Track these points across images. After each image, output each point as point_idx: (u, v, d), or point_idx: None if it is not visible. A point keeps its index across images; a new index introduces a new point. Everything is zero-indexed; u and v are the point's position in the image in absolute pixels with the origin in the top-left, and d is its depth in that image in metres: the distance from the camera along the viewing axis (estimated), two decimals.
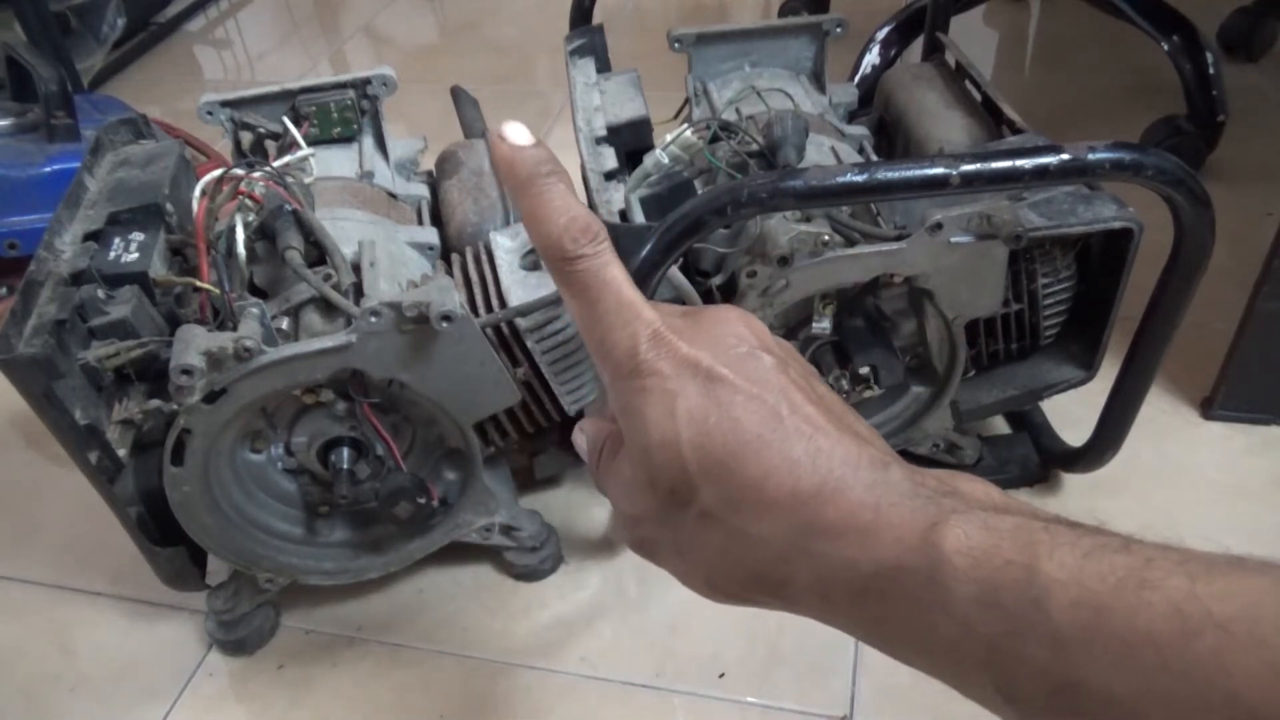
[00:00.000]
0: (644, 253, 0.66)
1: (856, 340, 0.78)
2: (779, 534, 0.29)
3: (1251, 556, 0.24)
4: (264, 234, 0.73)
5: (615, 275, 0.32)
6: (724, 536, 0.30)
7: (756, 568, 0.30)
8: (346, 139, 0.91)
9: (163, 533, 0.73)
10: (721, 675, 0.79)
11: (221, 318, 0.68)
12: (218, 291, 0.68)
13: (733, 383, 0.30)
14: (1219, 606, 0.23)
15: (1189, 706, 0.22)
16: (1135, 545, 0.25)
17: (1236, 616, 0.22)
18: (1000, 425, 0.97)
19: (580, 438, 0.37)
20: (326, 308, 0.71)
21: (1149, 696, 0.23)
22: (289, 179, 0.75)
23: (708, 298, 0.78)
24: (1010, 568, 0.26)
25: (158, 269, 0.69)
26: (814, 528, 0.29)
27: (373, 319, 0.65)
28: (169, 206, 0.74)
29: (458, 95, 1.02)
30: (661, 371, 0.31)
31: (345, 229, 0.77)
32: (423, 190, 0.91)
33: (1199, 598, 0.23)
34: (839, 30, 0.93)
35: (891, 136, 0.98)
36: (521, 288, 0.76)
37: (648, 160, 0.80)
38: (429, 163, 0.97)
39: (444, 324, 0.65)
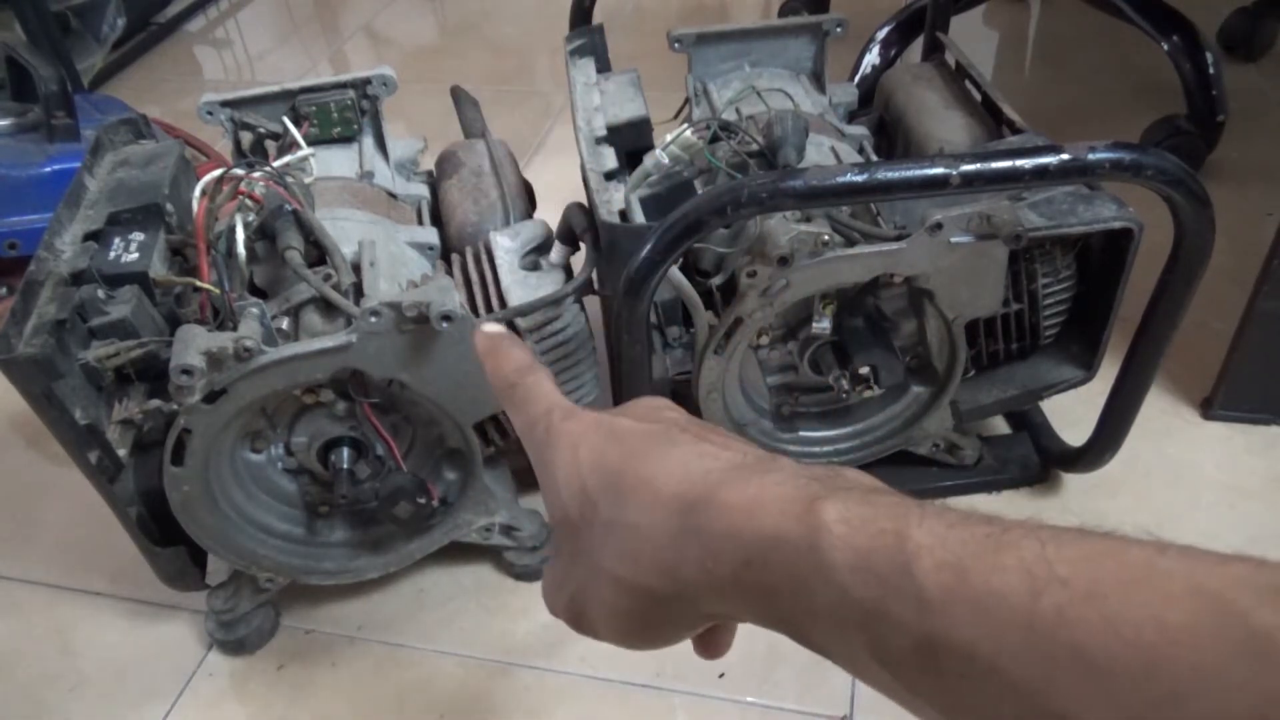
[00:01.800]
0: (644, 253, 0.66)
1: (856, 340, 0.78)
2: (669, 517, 0.32)
3: (1111, 530, 0.26)
4: (264, 234, 0.73)
5: (545, 386, 0.38)
6: (621, 536, 0.33)
7: (652, 560, 0.32)
8: (346, 139, 0.91)
9: (163, 533, 0.73)
10: (721, 675, 0.79)
11: (221, 318, 0.68)
12: (218, 291, 0.68)
13: (628, 423, 0.35)
14: (1063, 566, 0.24)
15: (1036, 659, 0.24)
16: (998, 519, 0.27)
17: (1078, 574, 0.24)
18: (1000, 425, 0.97)
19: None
20: (326, 308, 0.71)
21: (1002, 651, 0.24)
22: (289, 179, 0.75)
23: (708, 298, 0.78)
24: (883, 535, 0.27)
25: (158, 269, 0.69)
26: (701, 505, 0.31)
27: (373, 319, 0.65)
28: (169, 206, 0.74)
29: (458, 95, 1.02)
30: (570, 430, 0.35)
31: (345, 229, 0.77)
32: (423, 190, 0.91)
33: (1047, 559, 0.25)
34: (839, 30, 0.93)
35: (891, 136, 0.98)
36: (521, 288, 0.76)
37: (648, 160, 0.80)
38: (429, 163, 0.97)
39: (444, 324, 0.65)
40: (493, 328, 0.41)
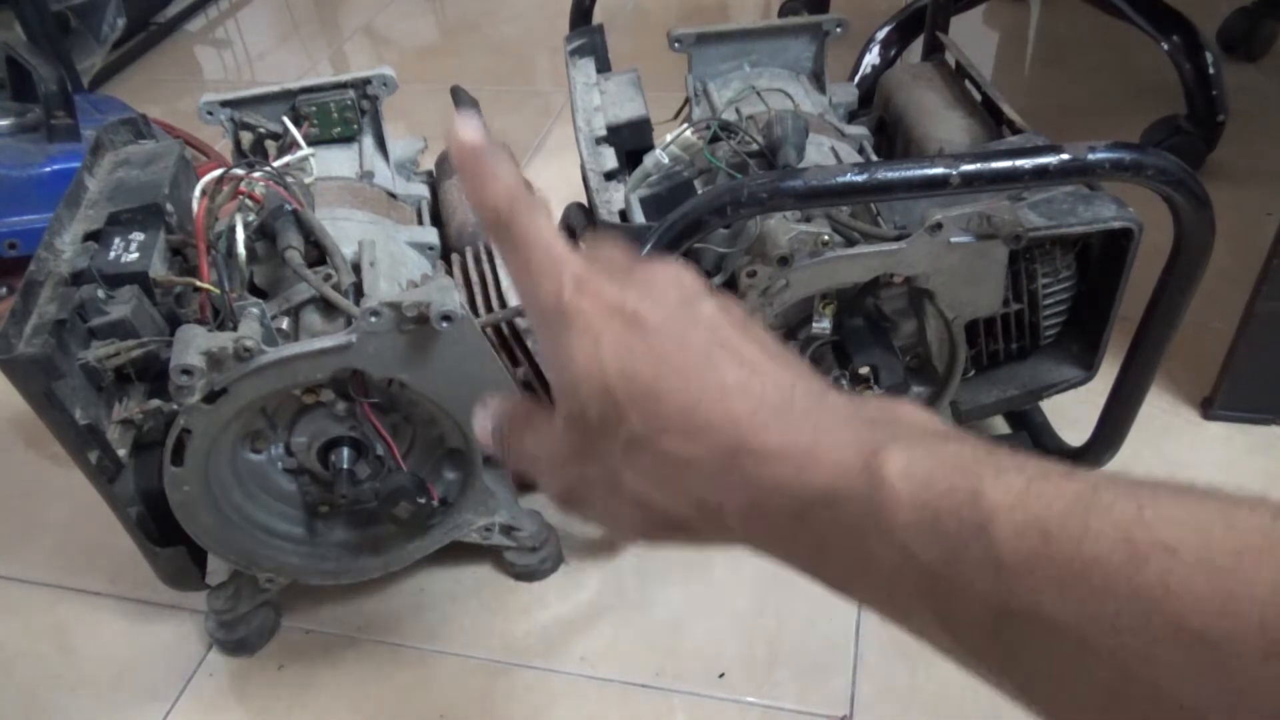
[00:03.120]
0: (644, 253, 0.66)
1: (856, 340, 0.78)
2: (711, 457, 0.29)
3: (1196, 484, 0.24)
4: (264, 234, 0.73)
5: (544, 231, 0.33)
6: (653, 461, 0.30)
7: (686, 493, 0.30)
8: (346, 139, 0.91)
9: (163, 533, 0.73)
10: (721, 675, 0.79)
11: (221, 318, 0.68)
12: (218, 291, 0.68)
13: (658, 325, 0.30)
14: (1167, 531, 0.22)
15: (1134, 630, 0.22)
16: (1080, 473, 0.25)
17: (1185, 541, 0.22)
18: (1000, 425, 0.97)
19: (482, 415, 0.37)
20: (326, 308, 0.71)
21: (1093, 622, 0.23)
22: (289, 179, 0.75)
23: None
24: (953, 493, 0.25)
25: (158, 269, 0.69)
26: (747, 450, 0.28)
27: (373, 319, 0.65)
28: (169, 206, 0.74)
29: (458, 95, 1.02)
30: (585, 311, 0.31)
31: (345, 229, 0.77)
32: (423, 190, 0.91)
33: (1147, 523, 0.22)
34: (839, 30, 0.93)
35: (891, 136, 0.98)
36: None
37: (648, 160, 0.80)
38: (429, 163, 0.97)
39: (444, 324, 0.65)
40: (471, 133, 0.34)
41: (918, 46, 1.15)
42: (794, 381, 0.30)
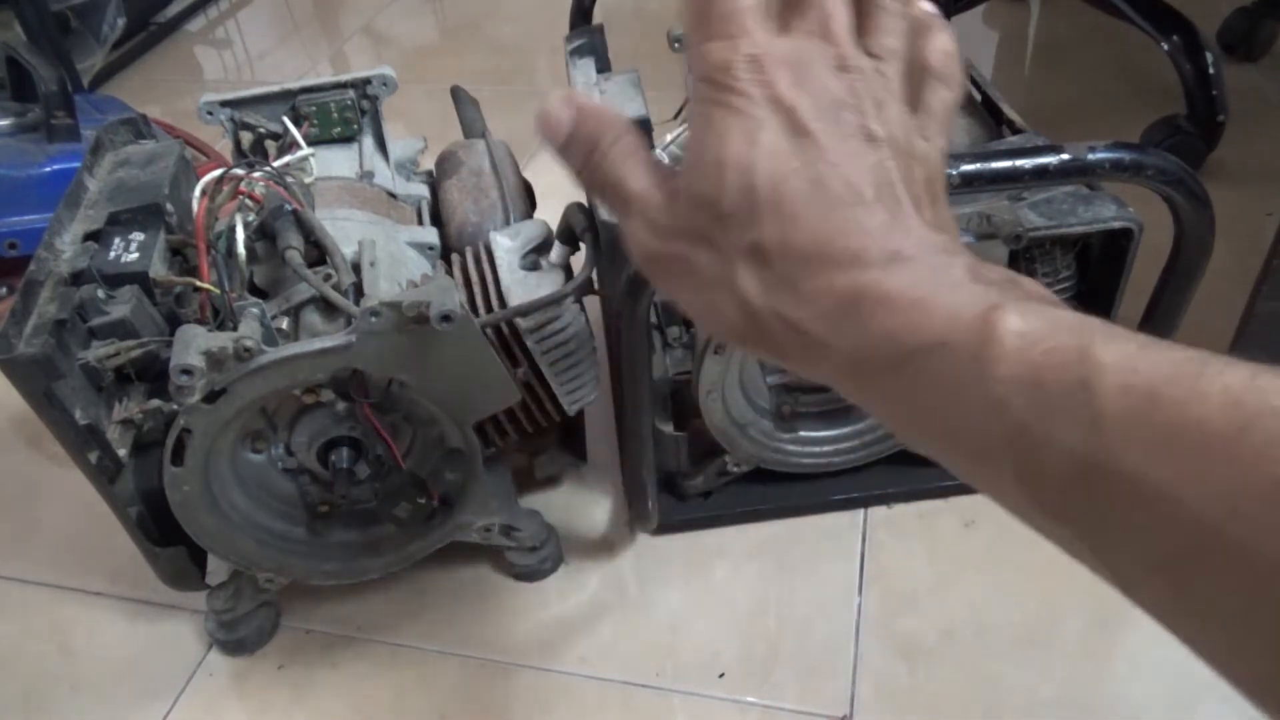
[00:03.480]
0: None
1: None
2: (831, 293, 0.29)
3: None
4: (264, 234, 0.73)
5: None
6: (774, 277, 0.29)
7: (798, 320, 0.29)
8: (346, 139, 0.91)
9: (163, 533, 0.73)
10: (721, 675, 0.79)
11: (221, 318, 0.68)
12: (218, 291, 0.68)
13: (823, 145, 0.29)
14: (1279, 397, 0.22)
15: (1232, 492, 0.22)
16: (1196, 350, 0.24)
17: None
18: None
19: (561, 107, 0.35)
20: (326, 308, 0.71)
21: (1189, 482, 0.22)
22: (289, 179, 0.75)
23: None
24: (1061, 351, 0.25)
25: (158, 269, 0.69)
26: (869, 294, 0.28)
27: (373, 319, 0.65)
28: (169, 206, 0.74)
29: (458, 95, 1.02)
30: (751, 95, 0.29)
31: (345, 229, 0.77)
32: (423, 190, 0.91)
33: (1261, 389, 0.22)
34: None
35: None
36: (521, 288, 0.76)
37: None
38: (429, 163, 0.97)
39: (444, 324, 0.65)
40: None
41: None
42: (930, 237, 0.29)
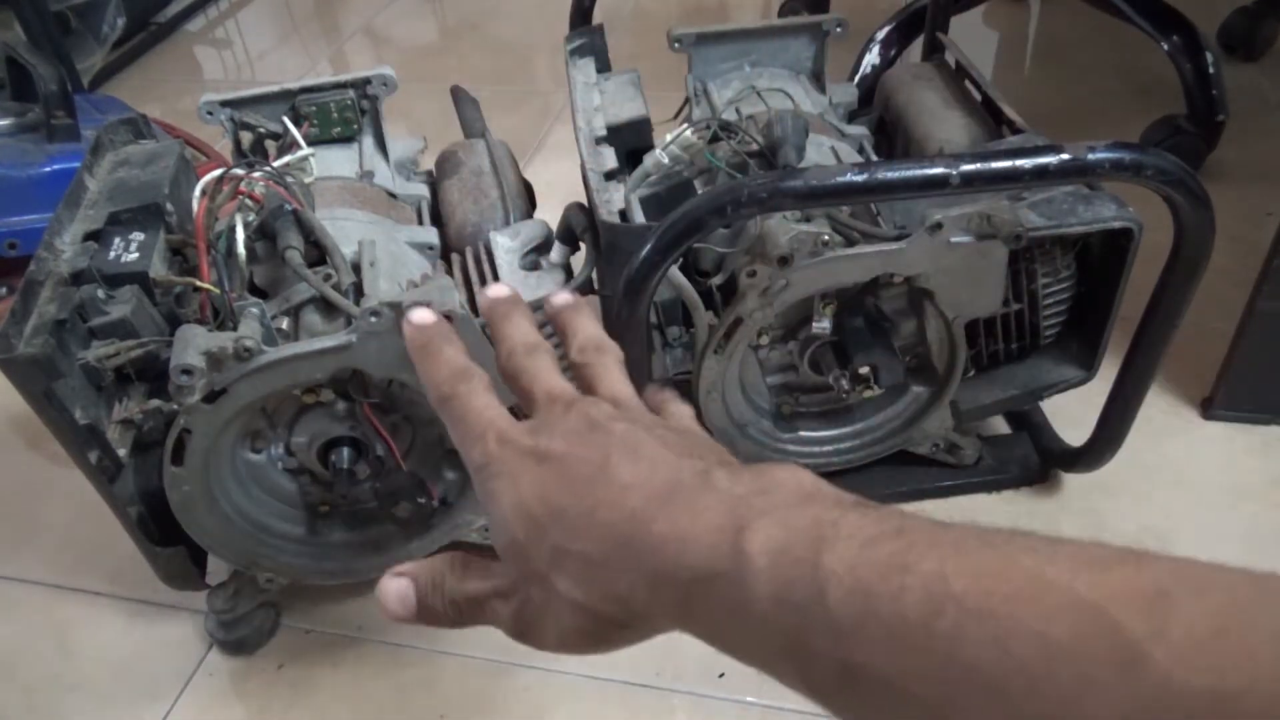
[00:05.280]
0: (644, 253, 0.66)
1: (856, 340, 0.78)
2: (615, 552, 0.32)
3: (1001, 531, 0.26)
4: (264, 234, 0.73)
5: (478, 399, 0.39)
6: (574, 565, 0.33)
7: (606, 589, 0.33)
8: (346, 139, 0.91)
9: (163, 533, 0.73)
10: (721, 675, 0.79)
11: (221, 318, 0.68)
12: (218, 291, 0.68)
13: (562, 452, 0.35)
14: (959, 582, 0.25)
15: (939, 680, 0.24)
16: (910, 527, 0.27)
17: (970, 590, 0.25)
18: (1000, 425, 0.97)
19: (398, 582, 0.40)
20: (326, 308, 0.71)
21: (909, 674, 0.25)
22: (289, 179, 0.75)
23: (708, 298, 0.78)
24: (800, 564, 0.28)
25: (158, 269, 0.69)
26: (641, 542, 0.31)
27: (373, 319, 0.65)
28: (169, 206, 0.74)
29: (458, 95, 1.02)
30: (507, 460, 0.36)
31: (345, 229, 0.77)
32: (423, 190, 0.91)
33: (945, 575, 0.25)
34: (839, 30, 0.93)
35: (891, 136, 0.98)
36: (521, 287, 0.76)
37: (648, 160, 0.80)
38: (429, 163, 0.97)
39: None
40: (422, 316, 0.40)
41: (918, 46, 1.15)
42: (679, 466, 0.33)
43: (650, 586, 0.31)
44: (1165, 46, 1.26)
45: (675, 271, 0.73)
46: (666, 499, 0.32)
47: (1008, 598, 0.24)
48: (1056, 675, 0.23)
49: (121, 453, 0.67)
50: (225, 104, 0.87)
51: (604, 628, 0.34)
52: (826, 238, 0.71)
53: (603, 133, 0.84)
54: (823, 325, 0.78)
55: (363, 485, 0.75)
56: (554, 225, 0.82)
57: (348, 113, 0.89)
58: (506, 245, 0.79)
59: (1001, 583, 0.24)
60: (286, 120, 0.87)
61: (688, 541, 0.30)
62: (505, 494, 0.36)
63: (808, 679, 0.28)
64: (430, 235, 0.83)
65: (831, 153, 0.84)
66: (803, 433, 0.87)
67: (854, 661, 0.26)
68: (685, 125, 0.80)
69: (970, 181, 0.63)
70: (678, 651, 0.81)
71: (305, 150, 0.82)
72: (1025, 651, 0.23)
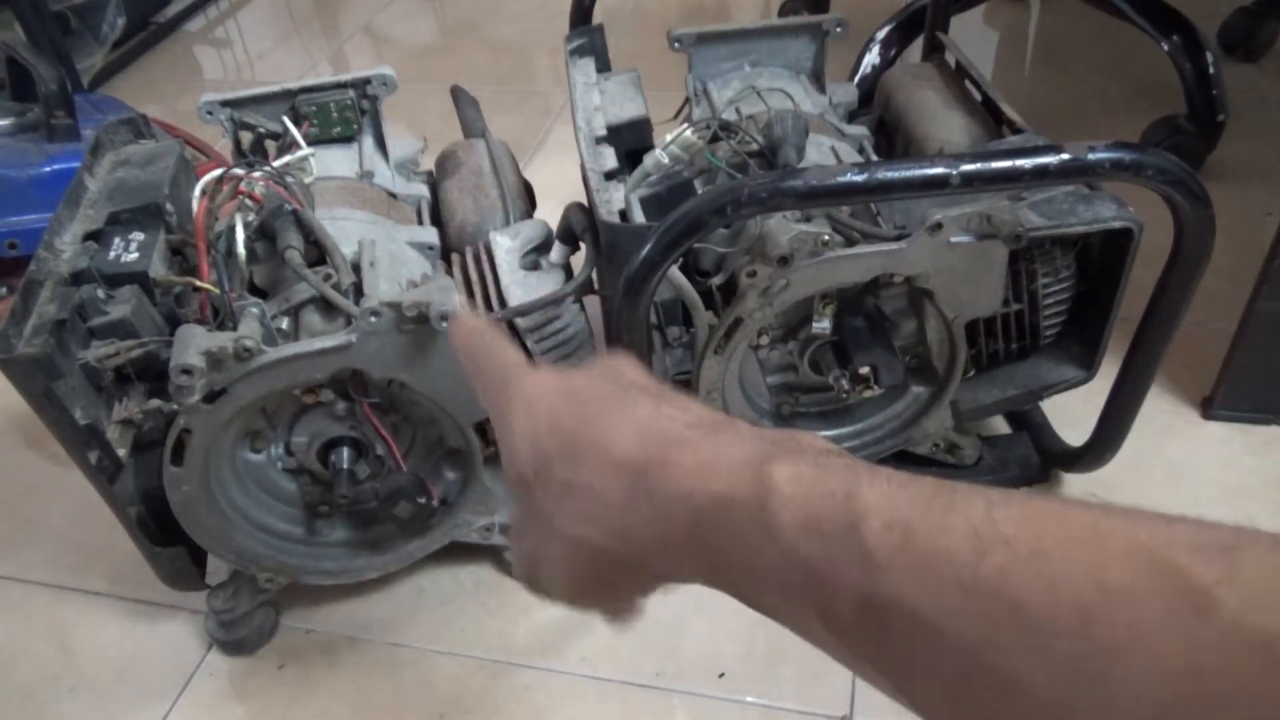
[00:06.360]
0: (644, 252, 0.66)
1: (856, 340, 0.78)
2: (623, 484, 0.31)
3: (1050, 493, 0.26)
4: (264, 234, 0.73)
5: (503, 346, 0.38)
6: (578, 500, 0.33)
7: (608, 524, 0.32)
8: (346, 139, 0.91)
9: (163, 533, 0.73)
10: (721, 675, 0.79)
11: (221, 318, 0.68)
12: (218, 291, 0.68)
13: (586, 381, 0.35)
14: (1008, 526, 0.24)
15: (979, 618, 0.24)
16: (949, 482, 0.27)
17: (1021, 534, 0.24)
18: (1000, 425, 0.97)
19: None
20: (326, 308, 0.71)
21: (946, 611, 0.24)
22: (289, 179, 0.75)
23: (708, 298, 0.78)
24: (832, 496, 0.27)
25: (158, 269, 0.69)
26: (654, 468, 0.31)
27: (373, 319, 0.65)
28: (169, 206, 0.74)
29: (458, 95, 1.02)
30: (527, 389, 0.35)
31: (345, 229, 0.77)
32: (423, 190, 0.91)
33: (993, 519, 0.25)
34: (839, 30, 0.93)
35: (891, 136, 0.98)
36: (521, 288, 0.76)
37: (648, 160, 0.80)
38: (429, 163, 0.97)
39: (444, 324, 0.65)
40: (472, 319, 0.39)
41: (918, 46, 1.15)
42: (702, 413, 0.33)
43: (658, 515, 0.31)
44: (1165, 46, 1.26)
45: (675, 271, 0.73)
46: (686, 432, 0.32)
47: (1062, 541, 0.23)
48: (1113, 617, 0.22)
49: (121, 453, 0.67)
50: (225, 104, 0.87)
51: (601, 567, 0.33)
52: (826, 238, 0.71)
53: (603, 132, 0.84)
54: (823, 325, 0.78)
55: (363, 485, 0.75)
56: (554, 225, 0.82)
57: (348, 113, 0.89)
58: (506, 245, 0.79)
59: (1055, 527, 0.24)
60: (286, 120, 0.87)
61: (707, 469, 0.30)
62: (520, 417, 0.35)
63: (826, 613, 0.27)
64: (430, 235, 0.83)
65: (831, 153, 0.84)
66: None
67: (884, 596, 0.25)
68: (685, 125, 0.79)
69: (970, 181, 0.63)
70: (678, 651, 0.81)
71: (305, 150, 0.82)
72: (1080, 592, 0.22)
